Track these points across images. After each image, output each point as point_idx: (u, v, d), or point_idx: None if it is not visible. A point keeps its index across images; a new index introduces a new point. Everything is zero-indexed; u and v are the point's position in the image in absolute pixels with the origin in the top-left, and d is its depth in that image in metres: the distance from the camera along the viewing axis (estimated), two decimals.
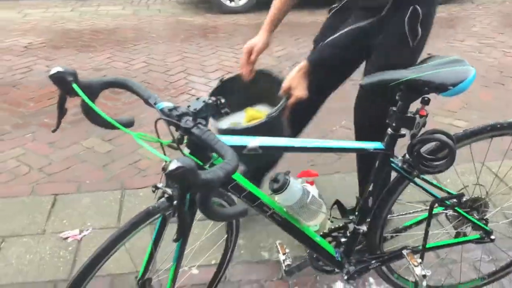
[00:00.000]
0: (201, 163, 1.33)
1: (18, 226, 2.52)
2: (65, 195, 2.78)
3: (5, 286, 2.14)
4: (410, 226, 1.81)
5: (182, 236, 1.15)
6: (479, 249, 2.31)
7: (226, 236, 1.83)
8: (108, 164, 3.12)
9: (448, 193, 1.65)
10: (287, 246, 1.87)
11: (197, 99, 1.28)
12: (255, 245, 2.39)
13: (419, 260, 1.61)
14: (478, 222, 1.70)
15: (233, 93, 1.99)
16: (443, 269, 2.17)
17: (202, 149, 1.33)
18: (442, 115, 3.72)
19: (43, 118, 3.73)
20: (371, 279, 2.19)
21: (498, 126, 1.59)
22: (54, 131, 1.37)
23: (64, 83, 1.26)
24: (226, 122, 1.97)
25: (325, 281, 2.19)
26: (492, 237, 1.74)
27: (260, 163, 2.14)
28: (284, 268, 1.84)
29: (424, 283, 1.60)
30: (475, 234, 1.78)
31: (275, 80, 1.97)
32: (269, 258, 2.33)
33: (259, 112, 2.00)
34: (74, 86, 1.25)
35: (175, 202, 1.38)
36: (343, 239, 1.73)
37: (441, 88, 1.39)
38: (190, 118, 1.25)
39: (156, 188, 1.43)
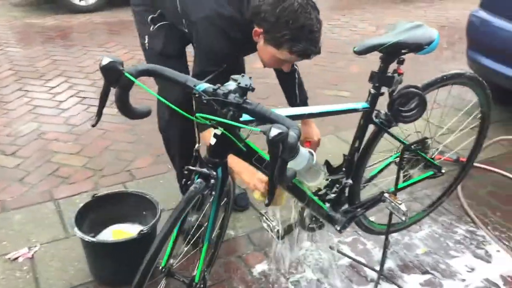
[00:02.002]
0: None
1: None
2: None
3: None
4: (375, 175, 2.08)
5: (272, 197, 1.22)
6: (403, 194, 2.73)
7: (223, 214, 1.91)
8: (24, 177, 2.87)
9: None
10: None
11: (243, 76, 1.35)
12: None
13: (401, 199, 1.90)
14: (432, 161, 2.05)
15: (104, 209, 2.19)
16: (382, 214, 2.51)
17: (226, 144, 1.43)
18: (328, 89, 4.14)
19: None
20: (330, 234, 2.45)
21: (444, 77, 1.93)
22: (94, 125, 1.32)
23: (115, 72, 1.23)
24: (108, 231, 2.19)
25: (295, 243, 2.38)
26: (443, 170, 2.10)
27: None
28: (275, 233, 1.98)
29: (407, 217, 1.89)
30: (427, 172, 2.13)
31: (145, 200, 2.20)
32: (235, 235, 2.43)
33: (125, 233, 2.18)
34: (127, 74, 1.23)
35: (212, 181, 1.46)
36: (331, 195, 1.93)
37: (418, 48, 1.67)
38: (237, 94, 1.32)
39: (189, 170, 1.47)
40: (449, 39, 5.53)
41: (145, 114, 1.44)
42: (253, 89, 1.36)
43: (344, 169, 1.89)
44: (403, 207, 1.86)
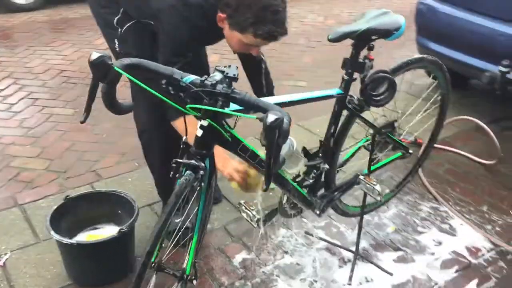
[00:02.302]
0: None
1: None
2: None
3: None
4: (348, 159, 2.15)
5: (269, 183, 1.25)
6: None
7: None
8: None
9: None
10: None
11: (229, 66, 1.36)
12: None
13: (376, 180, 1.97)
14: (401, 142, 2.14)
15: (77, 211, 2.14)
16: (351, 197, 2.60)
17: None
18: (285, 80, 4.20)
19: None
20: (304, 220, 2.51)
21: (409, 62, 2.01)
22: (83, 121, 1.30)
23: (104, 67, 1.22)
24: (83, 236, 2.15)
25: (271, 231, 2.42)
26: (410, 151, 2.20)
27: None
28: (256, 221, 2.01)
29: (381, 197, 1.97)
30: (396, 153, 2.22)
31: (119, 199, 2.17)
32: (211, 228, 2.44)
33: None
34: (116, 68, 1.22)
35: (201, 172, 1.47)
36: (309, 181, 1.98)
37: (387, 33, 1.74)
38: (225, 85, 1.34)
39: (177, 163, 1.48)
40: None
41: (131, 108, 1.43)
42: (237, 79, 1.38)
43: (320, 154, 1.94)
44: (378, 188, 1.94)
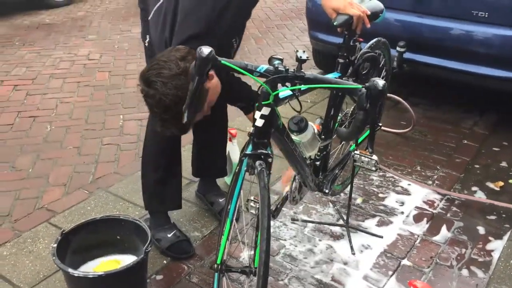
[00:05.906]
0: None
1: None
2: None
3: None
4: None
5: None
6: None
7: None
8: None
9: None
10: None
11: (297, 51, 1.42)
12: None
13: (370, 150, 2.16)
14: None
15: (76, 245, 1.98)
16: None
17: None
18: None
19: None
20: (284, 209, 2.61)
21: (372, 45, 2.23)
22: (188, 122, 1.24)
23: (213, 62, 1.20)
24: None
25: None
26: (380, 124, 2.44)
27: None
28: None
29: (378, 166, 2.17)
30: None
31: (115, 223, 2.05)
32: (201, 236, 2.41)
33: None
34: (224, 62, 1.21)
35: (269, 159, 1.52)
36: (317, 163, 2.09)
37: (375, 16, 1.94)
38: (296, 68, 1.42)
39: (246, 155, 1.51)
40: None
41: None
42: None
43: (323, 136, 2.07)
44: (375, 157, 2.13)
